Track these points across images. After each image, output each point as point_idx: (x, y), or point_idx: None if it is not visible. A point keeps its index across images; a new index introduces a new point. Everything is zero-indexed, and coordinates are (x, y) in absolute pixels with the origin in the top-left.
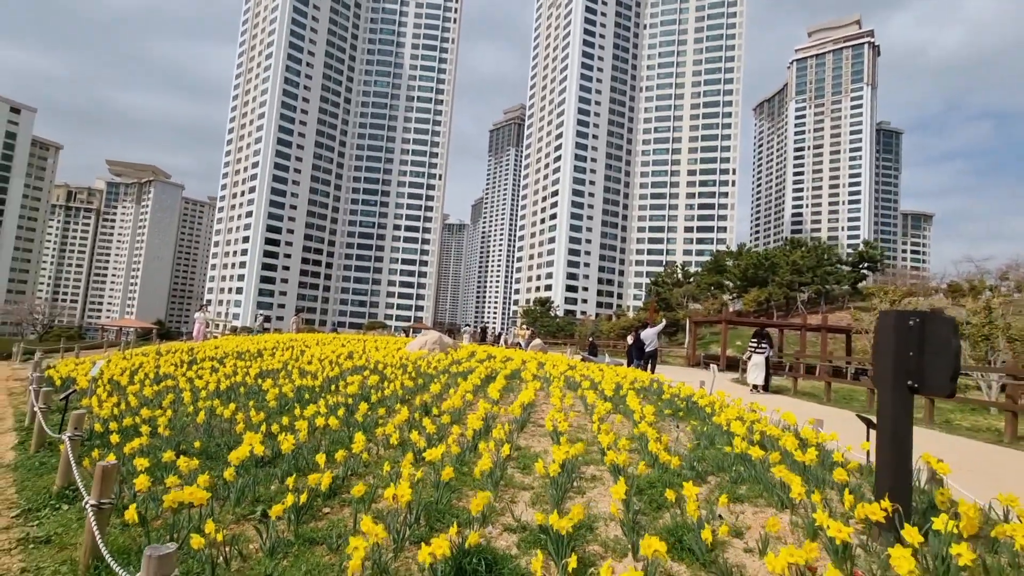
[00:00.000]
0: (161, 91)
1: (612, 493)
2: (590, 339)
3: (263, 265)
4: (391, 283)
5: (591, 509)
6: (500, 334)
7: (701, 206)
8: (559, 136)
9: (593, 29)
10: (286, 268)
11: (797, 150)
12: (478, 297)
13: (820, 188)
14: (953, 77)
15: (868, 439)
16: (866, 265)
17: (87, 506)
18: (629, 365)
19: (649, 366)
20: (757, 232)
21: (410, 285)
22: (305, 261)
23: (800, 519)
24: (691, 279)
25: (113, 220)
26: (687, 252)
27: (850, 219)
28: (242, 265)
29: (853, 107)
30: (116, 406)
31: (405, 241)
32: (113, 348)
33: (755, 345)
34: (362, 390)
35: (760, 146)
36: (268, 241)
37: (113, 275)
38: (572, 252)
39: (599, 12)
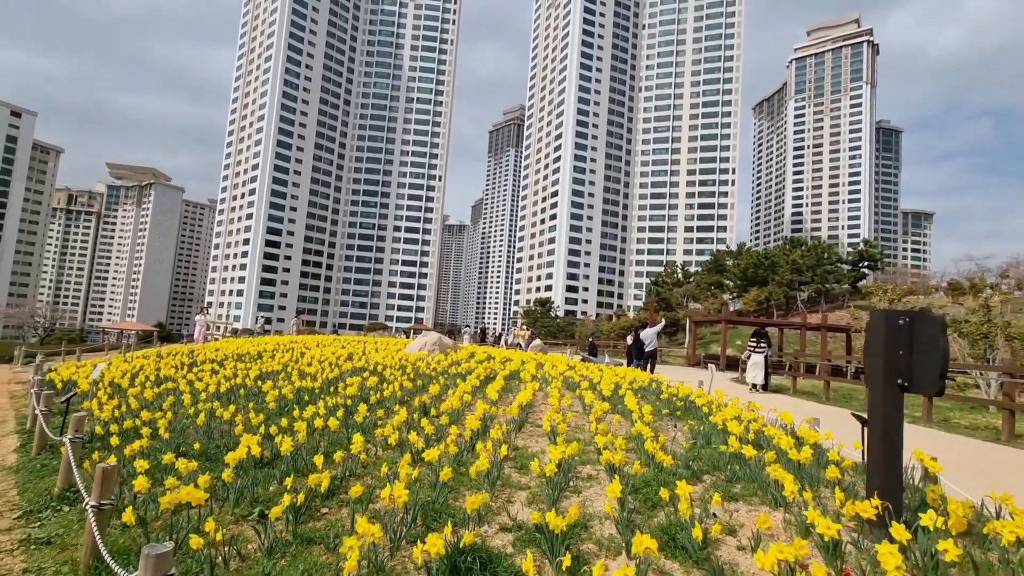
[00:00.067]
0: (161, 92)
1: (607, 492)
2: (590, 339)
3: (263, 267)
4: (391, 284)
5: (587, 508)
6: (501, 335)
7: (701, 205)
8: (559, 136)
9: (592, 29)
10: (287, 270)
11: (797, 149)
12: (478, 298)
13: (820, 187)
14: (953, 76)
15: (863, 437)
16: (866, 264)
17: (87, 507)
18: (629, 365)
19: (649, 366)
20: (757, 231)
21: (410, 286)
22: (305, 263)
23: (793, 517)
24: (691, 279)
25: (114, 223)
26: (687, 252)
27: (850, 218)
28: (243, 267)
29: (852, 106)
30: (117, 408)
31: (405, 242)
32: (114, 351)
33: (754, 344)
34: (361, 391)
35: (760, 145)
36: (268, 243)
37: (114, 278)
38: (572, 252)
39: (598, 12)
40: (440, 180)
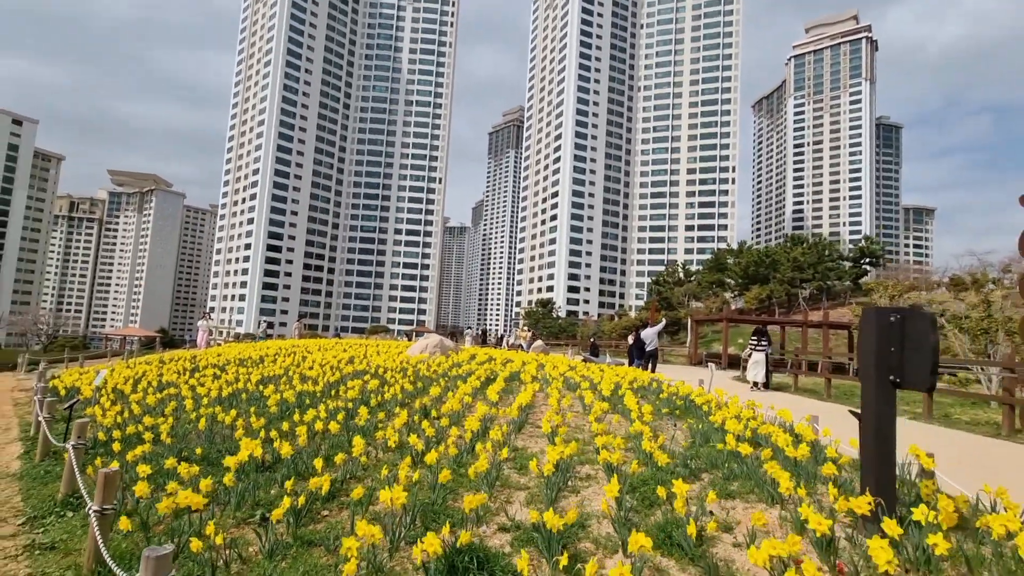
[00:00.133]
0: (161, 99)
1: (605, 491)
2: (591, 340)
3: (265, 271)
4: (393, 287)
5: (585, 507)
6: (502, 336)
7: (702, 204)
8: (558, 137)
9: (590, 30)
10: (288, 274)
11: (797, 146)
12: (480, 300)
13: (821, 184)
14: (952, 72)
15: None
16: (867, 260)
17: (90, 512)
18: (630, 365)
19: (650, 365)
20: (758, 229)
21: (412, 289)
22: (307, 267)
23: (789, 514)
24: (692, 278)
25: (116, 230)
26: (688, 251)
27: (851, 214)
28: (244, 272)
29: (852, 102)
30: (119, 414)
31: (406, 245)
32: (117, 357)
33: (755, 343)
34: (362, 394)
35: (760, 143)
36: (270, 248)
37: (116, 284)
38: (573, 253)
39: (596, 13)
40: (440, 182)
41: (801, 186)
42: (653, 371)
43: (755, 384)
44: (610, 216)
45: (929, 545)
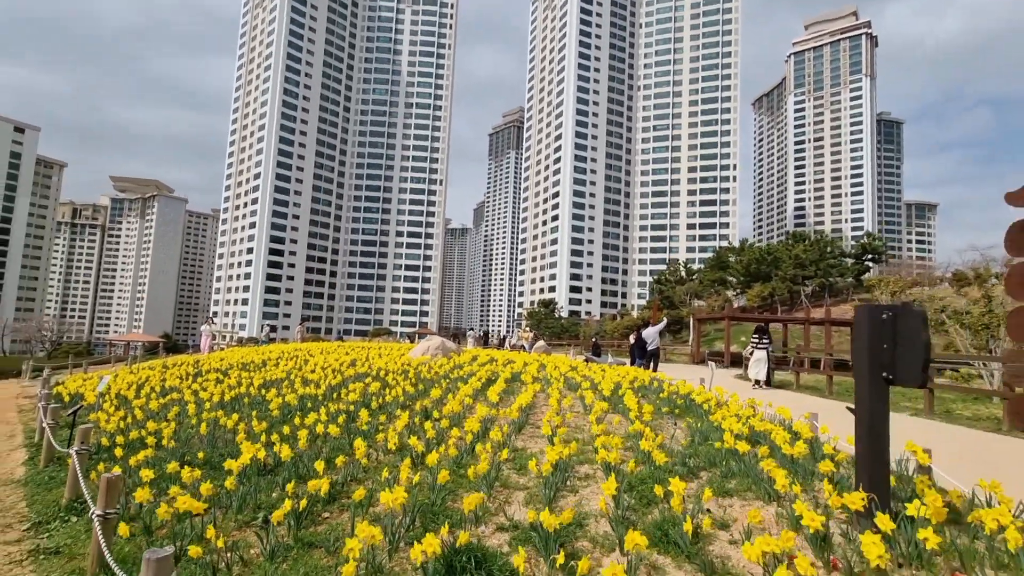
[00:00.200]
0: (162, 104)
1: (603, 490)
2: (593, 340)
3: (268, 275)
4: (395, 289)
5: (583, 507)
6: (504, 337)
7: (703, 203)
8: (558, 137)
9: (589, 30)
10: (290, 278)
11: (798, 143)
12: (483, 301)
13: (822, 181)
14: (951, 66)
15: None
16: (870, 257)
17: (93, 517)
18: (632, 364)
19: (651, 365)
20: (760, 227)
21: (414, 291)
22: (309, 270)
23: (785, 511)
24: (694, 276)
25: (118, 235)
26: (690, 249)
27: (853, 211)
28: (247, 276)
29: (852, 99)
30: (123, 420)
31: (408, 247)
32: (120, 363)
33: (756, 341)
34: (363, 397)
35: (760, 141)
36: (272, 251)
37: (120, 290)
38: (575, 253)
39: (594, 13)
40: (441, 184)
41: (803, 183)
42: (655, 370)
43: (757, 382)
44: (611, 215)
45: (920, 540)
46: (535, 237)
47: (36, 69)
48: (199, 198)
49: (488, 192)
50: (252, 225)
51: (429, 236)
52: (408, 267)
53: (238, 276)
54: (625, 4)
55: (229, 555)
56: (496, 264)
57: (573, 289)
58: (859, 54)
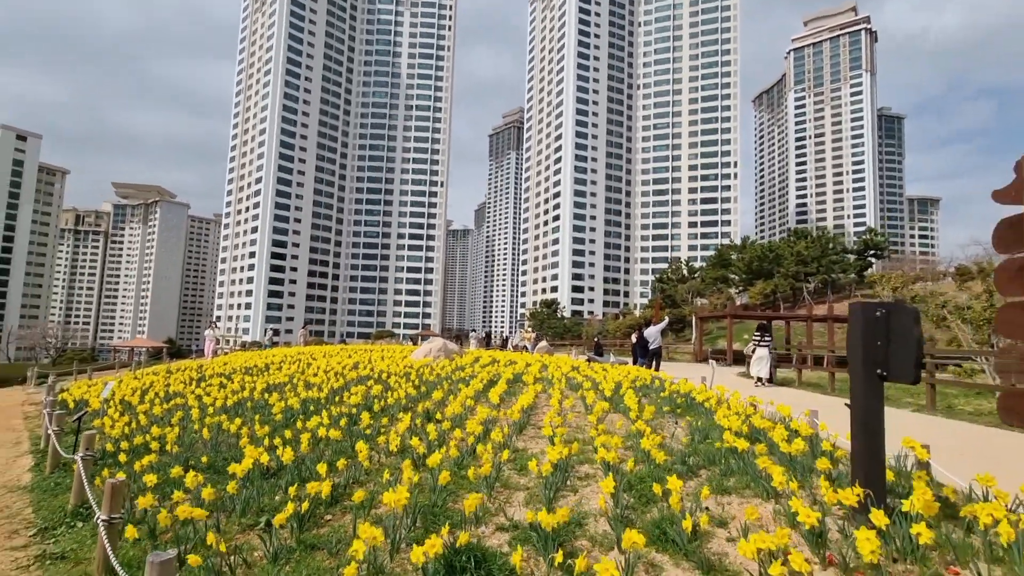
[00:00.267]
0: (162, 109)
1: (602, 489)
2: (595, 339)
3: (270, 279)
4: (397, 291)
5: (583, 506)
6: (507, 338)
7: (704, 200)
8: (559, 137)
9: (588, 29)
10: (293, 281)
11: (799, 140)
12: (485, 301)
13: (824, 177)
14: (949, 59)
15: None
16: (872, 253)
17: (98, 521)
18: (634, 364)
19: (653, 364)
20: (762, 224)
21: (416, 293)
22: (312, 274)
23: (783, 508)
24: (696, 274)
25: (121, 241)
26: (692, 247)
27: (856, 207)
28: (249, 280)
29: (853, 94)
30: (127, 425)
31: (410, 249)
32: (125, 369)
33: (758, 339)
34: (366, 400)
35: (761, 138)
36: (274, 255)
37: (123, 296)
38: (577, 252)
39: (593, 12)
40: (442, 186)
41: (804, 180)
42: (657, 369)
43: (759, 380)
44: (612, 215)
45: (915, 535)
46: (537, 237)
47: (37, 76)
48: (201, 202)
49: (489, 193)
50: (254, 229)
51: (431, 238)
52: (410, 269)
53: (241, 280)
54: (624, 3)
55: (233, 558)
56: (498, 265)
57: (575, 289)
58: (859, 50)
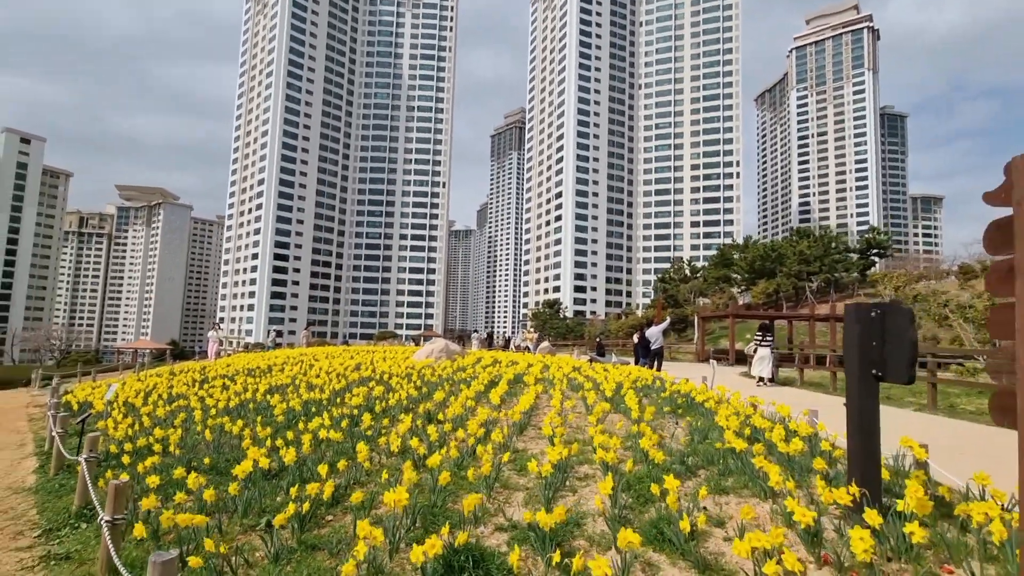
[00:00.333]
0: (164, 112)
1: (600, 489)
2: (597, 340)
3: (273, 281)
4: (400, 292)
5: (581, 506)
6: (509, 338)
7: (706, 200)
8: (560, 138)
9: (589, 29)
10: (296, 283)
11: (801, 139)
12: (487, 302)
13: (827, 176)
14: (951, 57)
15: None
16: (875, 252)
17: (102, 522)
18: (636, 364)
19: (655, 364)
20: (765, 223)
21: (419, 293)
22: (314, 275)
23: (780, 507)
24: (698, 274)
25: (125, 244)
26: (694, 247)
27: (858, 206)
28: (252, 282)
29: (855, 93)
30: (131, 427)
31: (412, 250)
32: (128, 370)
33: (760, 338)
34: (367, 401)
35: (763, 137)
36: (277, 257)
37: (127, 298)
38: (579, 252)
39: (594, 12)
40: (444, 186)
41: (807, 178)
42: (659, 369)
43: (761, 379)
44: (614, 215)
45: (907, 534)
46: (539, 237)
47: (39, 80)
48: (203, 203)
49: (491, 193)
50: (257, 231)
51: (433, 238)
52: (412, 270)
53: (244, 282)
54: (625, 3)
55: (234, 558)
56: (500, 265)
57: (577, 289)
58: (861, 48)
